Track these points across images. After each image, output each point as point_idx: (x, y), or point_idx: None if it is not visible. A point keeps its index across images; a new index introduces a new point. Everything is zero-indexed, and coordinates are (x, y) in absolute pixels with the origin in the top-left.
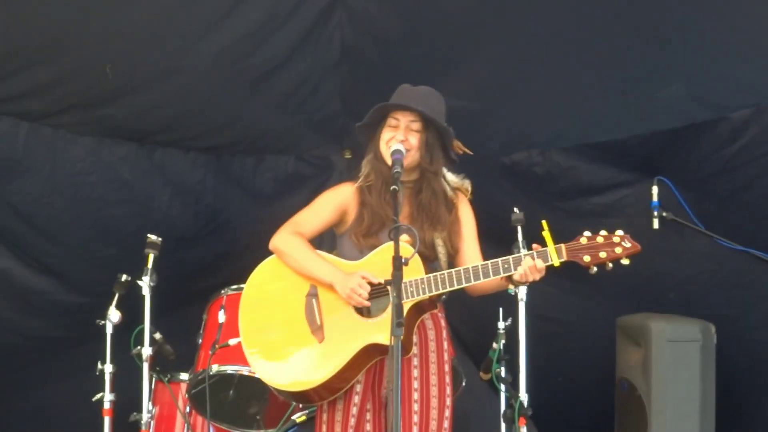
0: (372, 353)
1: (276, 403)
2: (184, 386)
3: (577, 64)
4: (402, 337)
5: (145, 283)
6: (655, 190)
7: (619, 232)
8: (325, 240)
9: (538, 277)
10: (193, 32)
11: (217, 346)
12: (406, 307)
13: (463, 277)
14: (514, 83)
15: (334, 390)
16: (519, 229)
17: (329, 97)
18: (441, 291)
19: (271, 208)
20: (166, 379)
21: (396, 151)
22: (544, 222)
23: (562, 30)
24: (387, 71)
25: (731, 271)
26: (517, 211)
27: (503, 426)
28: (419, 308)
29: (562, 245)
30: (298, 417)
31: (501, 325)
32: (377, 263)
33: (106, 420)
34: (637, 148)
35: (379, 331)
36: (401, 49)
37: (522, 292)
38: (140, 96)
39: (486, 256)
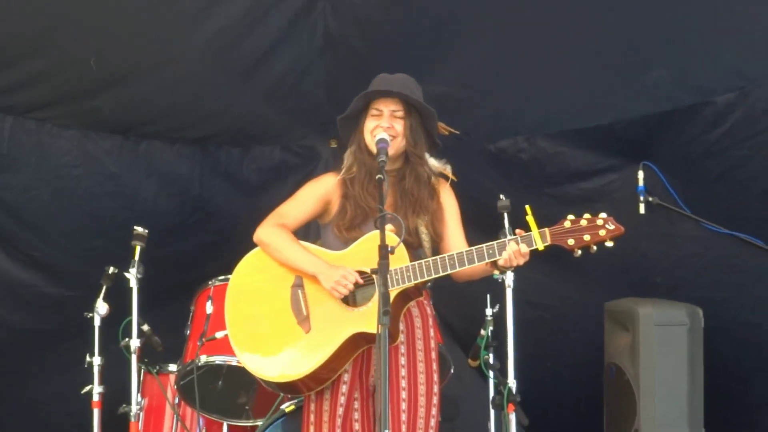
0: (359, 342)
1: (264, 393)
2: (172, 377)
3: (562, 50)
4: (389, 325)
5: (133, 275)
6: (641, 175)
7: (603, 215)
8: (311, 230)
9: (522, 261)
10: (177, 25)
11: (204, 339)
12: (392, 296)
13: (448, 263)
14: (499, 70)
15: (321, 380)
16: (505, 215)
17: (314, 86)
18: (426, 278)
19: (257, 198)
20: (155, 370)
21: (381, 140)
22: (527, 207)
23: (547, 17)
24: (372, 60)
25: (718, 254)
26: (504, 198)
27: (492, 412)
28: (405, 296)
29: (546, 229)
30: (287, 407)
31: (489, 311)
32: (362, 252)
33: (95, 412)
34: (623, 133)
35: (366, 320)
36: (386, 37)
37: (509, 279)
38: (125, 88)
39: (473, 243)
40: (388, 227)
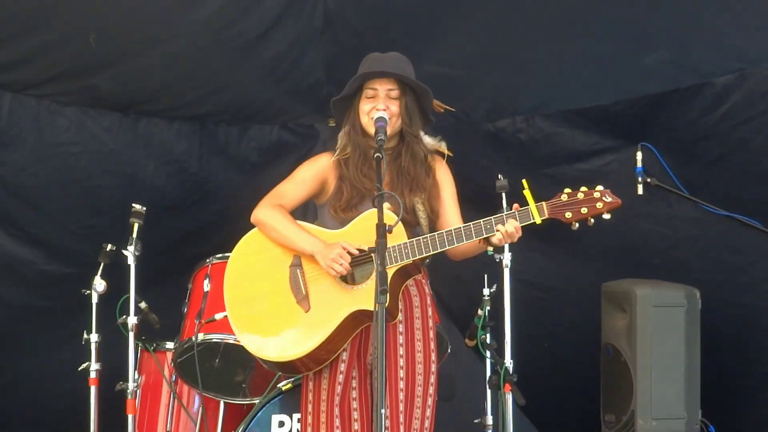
0: (358, 321)
1: (262, 371)
2: (170, 355)
3: (561, 31)
4: (387, 303)
5: (131, 253)
6: (639, 156)
7: (600, 188)
8: (310, 210)
9: (517, 237)
10: (176, 2)
11: (203, 321)
12: (390, 273)
13: (446, 239)
14: (498, 50)
15: (320, 360)
16: (503, 195)
17: (313, 65)
18: (424, 255)
19: (256, 177)
20: (152, 348)
21: (380, 119)
22: (524, 181)
23: None
24: (370, 39)
25: (716, 236)
26: (502, 178)
27: (489, 392)
28: (404, 273)
29: (543, 203)
30: (284, 385)
31: (486, 291)
32: (360, 231)
33: (92, 389)
34: (621, 114)
35: (365, 298)
36: (384, 17)
37: (507, 258)
38: (124, 66)
39: (470, 222)
40: (386, 206)
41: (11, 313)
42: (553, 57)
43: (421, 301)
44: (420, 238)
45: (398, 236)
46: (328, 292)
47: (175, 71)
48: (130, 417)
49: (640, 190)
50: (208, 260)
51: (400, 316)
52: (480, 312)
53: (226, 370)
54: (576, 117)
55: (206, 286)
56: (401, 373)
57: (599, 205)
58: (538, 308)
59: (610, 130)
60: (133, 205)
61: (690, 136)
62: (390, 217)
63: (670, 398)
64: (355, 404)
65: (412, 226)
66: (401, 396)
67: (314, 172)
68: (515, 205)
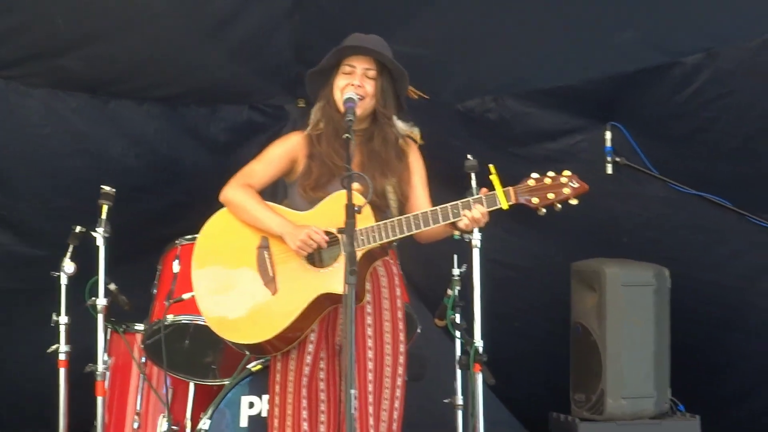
0: (325, 303)
1: (231, 352)
2: (139, 336)
3: (530, 10)
4: (355, 285)
5: (100, 234)
6: (608, 135)
7: (567, 173)
8: (279, 190)
9: (483, 222)
10: None
11: (171, 300)
12: (358, 256)
13: (413, 223)
14: (467, 30)
15: (288, 341)
16: (473, 176)
17: (282, 46)
18: (392, 238)
19: (225, 157)
20: (121, 329)
21: (349, 99)
22: (491, 166)
23: None
24: (340, 20)
25: (685, 215)
26: (471, 158)
27: (459, 372)
28: (370, 256)
29: (510, 188)
30: (254, 366)
31: (456, 271)
32: (327, 212)
33: (62, 371)
34: (591, 94)
35: (332, 280)
36: None
37: (476, 239)
38: (93, 47)
39: (439, 203)
40: (355, 186)
41: None
42: (522, 37)
43: (389, 281)
44: (387, 221)
45: (366, 218)
46: (296, 274)
47: (145, 53)
48: (99, 399)
49: (609, 169)
50: (177, 241)
51: (368, 297)
52: (450, 292)
53: (195, 352)
54: (545, 97)
55: (175, 267)
56: (369, 354)
57: (566, 190)
58: (507, 288)
59: (580, 109)
60: (102, 186)
61: (659, 115)
62: (358, 199)
63: (639, 377)
64: (322, 385)
65: (382, 210)
66: (370, 377)
67: (284, 151)
68: (483, 190)
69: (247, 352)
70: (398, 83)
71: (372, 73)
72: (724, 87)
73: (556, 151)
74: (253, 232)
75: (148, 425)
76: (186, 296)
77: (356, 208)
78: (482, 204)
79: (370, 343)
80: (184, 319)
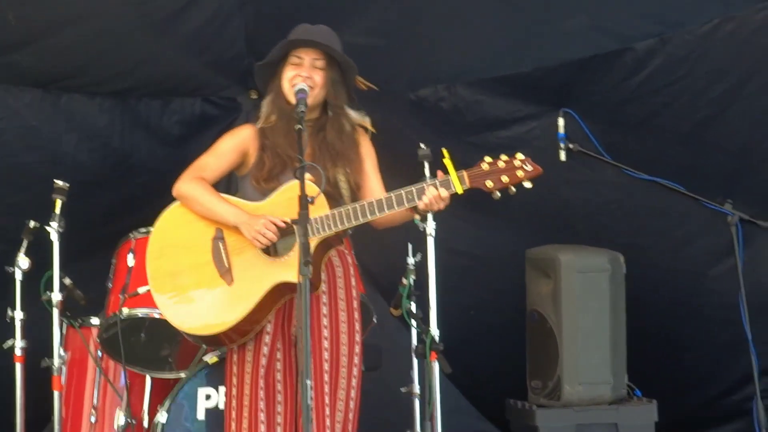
0: (282, 292)
1: (187, 345)
2: (95, 331)
3: None
4: (310, 275)
5: (54, 229)
6: (561, 122)
7: (520, 156)
8: (233, 182)
9: (443, 205)
10: None
11: (126, 295)
12: (313, 245)
13: (367, 210)
14: (419, 19)
15: (244, 333)
16: (426, 164)
17: (234, 38)
18: (346, 225)
19: (178, 150)
20: (77, 324)
21: (300, 90)
22: (444, 150)
23: None
24: (291, 11)
25: (639, 200)
26: (424, 147)
27: (415, 361)
28: (326, 244)
29: (464, 172)
30: (210, 358)
31: (411, 260)
32: (281, 203)
33: (18, 366)
34: (543, 81)
35: (288, 269)
36: None
37: (431, 227)
38: (45, 42)
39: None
40: (307, 176)
41: None
42: (474, 25)
43: (345, 271)
44: (341, 208)
45: (320, 207)
46: (251, 265)
47: (96, 47)
48: (56, 393)
49: (562, 156)
50: (131, 235)
51: (323, 287)
52: (405, 281)
53: (151, 345)
54: (497, 84)
55: (130, 260)
56: (325, 344)
57: (520, 173)
58: (463, 276)
59: (532, 96)
60: (56, 181)
61: (612, 101)
62: (312, 189)
63: (595, 363)
64: (279, 376)
65: (334, 199)
66: (326, 366)
67: (235, 144)
68: (439, 173)
69: (204, 344)
70: (347, 74)
71: (320, 63)
72: (675, 72)
73: (509, 138)
74: (207, 224)
75: (106, 419)
76: (141, 290)
77: (309, 199)
78: (436, 188)
79: (326, 333)
80: (139, 312)
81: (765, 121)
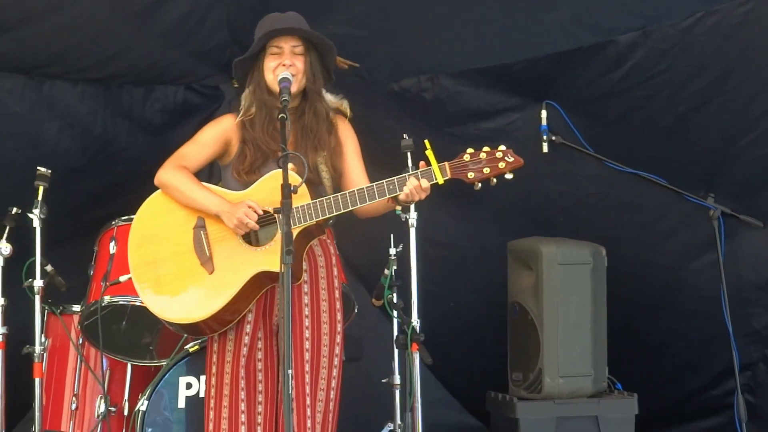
0: (263, 281)
1: (169, 333)
2: (76, 318)
3: None
4: (292, 264)
5: (36, 216)
6: (543, 114)
7: (502, 147)
8: (215, 171)
9: (423, 196)
10: None
11: (107, 283)
12: (294, 234)
13: (349, 200)
14: (401, 9)
15: (225, 322)
16: (409, 155)
17: (216, 26)
18: (328, 215)
19: (160, 138)
20: (59, 311)
21: (284, 79)
22: (427, 141)
23: None
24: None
25: (621, 193)
26: (407, 138)
27: (396, 352)
28: (307, 234)
29: (446, 163)
30: (191, 347)
31: (392, 251)
32: (264, 191)
33: None
34: (525, 73)
35: (269, 259)
36: None
37: (413, 218)
38: (28, 29)
39: (376, 182)
40: (290, 166)
41: None
42: (456, 16)
43: (326, 261)
44: (324, 198)
45: (302, 197)
46: (232, 254)
47: (78, 34)
48: (37, 380)
49: (545, 148)
50: (113, 222)
51: (305, 277)
52: (386, 272)
53: (133, 333)
54: (480, 76)
55: (112, 248)
56: (306, 333)
57: (501, 165)
58: (444, 267)
59: (515, 88)
60: (38, 167)
61: (594, 93)
62: (294, 178)
63: (576, 356)
64: (260, 365)
65: (315, 185)
66: (307, 356)
67: (217, 134)
68: (421, 163)
69: (184, 333)
70: (326, 56)
71: (299, 49)
72: (657, 66)
73: (491, 130)
74: (189, 212)
75: (86, 406)
76: (123, 278)
77: (292, 188)
78: (417, 179)
79: (307, 323)
80: (121, 300)
81: (746, 115)
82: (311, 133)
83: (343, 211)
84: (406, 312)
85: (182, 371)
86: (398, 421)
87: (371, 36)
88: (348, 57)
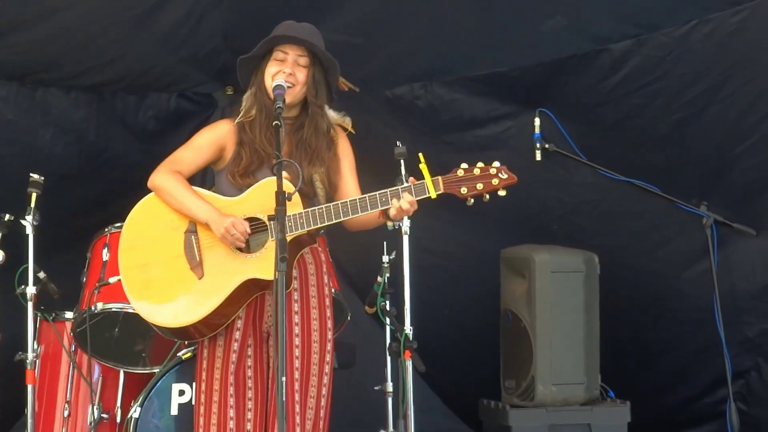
0: (251, 289)
1: (161, 340)
2: (69, 325)
3: None
4: (285, 271)
5: (29, 222)
6: (537, 122)
7: (496, 164)
8: (209, 176)
9: (411, 213)
10: None
11: (97, 284)
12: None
13: (341, 210)
14: (395, 17)
15: (214, 326)
16: (402, 162)
17: (211, 33)
18: (320, 225)
19: (153, 145)
20: (51, 317)
21: (278, 86)
22: (420, 155)
23: None
24: (268, 7)
25: (613, 201)
26: (400, 145)
27: (389, 359)
28: (298, 243)
29: (439, 178)
30: (184, 354)
31: (385, 258)
32: (255, 199)
33: None
34: (519, 80)
35: (259, 266)
36: None
37: (406, 225)
38: (21, 35)
39: (370, 190)
40: (284, 174)
41: None
42: (450, 23)
43: (317, 268)
44: (315, 208)
45: (294, 206)
46: (222, 260)
47: (73, 40)
48: (29, 387)
49: (538, 156)
50: (106, 229)
51: (295, 284)
52: (379, 279)
53: (125, 339)
54: (474, 83)
55: (105, 255)
56: (296, 341)
57: (495, 181)
58: (437, 275)
59: (508, 96)
60: (31, 174)
61: (588, 101)
62: (287, 187)
63: (569, 363)
64: (250, 372)
65: (309, 198)
66: (297, 364)
67: (212, 138)
68: (411, 179)
69: (173, 338)
70: (329, 73)
71: (304, 60)
72: (652, 74)
73: (485, 137)
74: (180, 217)
75: (79, 413)
76: (112, 280)
77: (287, 195)
78: (410, 193)
79: (297, 330)
80: (114, 307)
81: (741, 123)
82: (309, 146)
83: (335, 221)
84: (399, 319)
85: (175, 378)
86: (391, 429)
87: (365, 43)
88: (342, 64)
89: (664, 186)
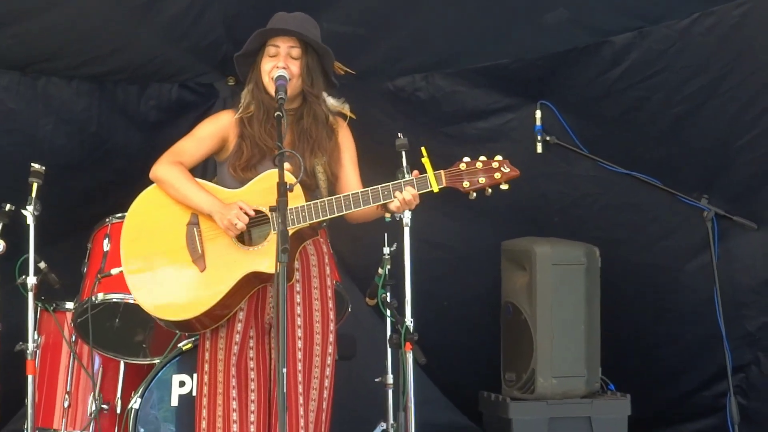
0: (253, 281)
1: (162, 331)
2: (69, 315)
3: None
4: (287, 263)
5: (30, 212)
6: (538, 114)
7: (498, 158)
8: (209, 167)
9: (414, 205)
10: None
11: (99, 276)
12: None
13: (343, 204)
14: (397, 8)
15: (216, 318)
16: (403, 154)
17: (213, 24)
18: (321, 218)
19: (155, 135)
20: (52, 308)
21: (280, 77)
22: (423, 149)
23: None
24: None
25: (615, 194)
26: (401, 137)
27: (389, 351)
28: (300, 236)
29: (442, 171)
30: (184, 345)
31: (386, 250)
32: (258, 191)
33: None
34: (520, 73)
35: (261, 259)
36: None
37: (407, 217)
38: (23, 25)
39: (371, 182)
40: (286, 165)
41: None
42: (453, 15)
43: (319, 260)
44: (317, 201)
45: (296, 198)
46: (225, 252)
47: (74, 30)
48: (29, 377)
49: (539, 148)
50: (107, 220)
51: (297, 276)
52: (380, 271)
53: (126, 330)
54: (475, 75)
55: (106, 245)
56: (299, 333)
57: (497, 175)
58: (438, 267)
59: (510, 88)
60: (32, 164)
61: (589, 94)
62: (289, 178)
63: (570, 356)
64: (252, 363)
65: (311, 190)
66: (299, 355)
67: (214, 129)
68: (414, 172)
69: (175, 329)
70: (324, 60)
71: (296, 51)
72: (653, 66)
73: (486, 129)
74: (182, 208)
75: (79, 404)
76: (114, 271)
77: (288, 186)
78: (413, 186)
79: (299, 321)
80: (114, 297)
81: (742, 117)
82: (309, 136)
83: (337, 214)
84: (399, 311)
85: (175, 369)
86: (391, 421)
87: (367, 34)
88: (343, 55)
89: (665, 179)
